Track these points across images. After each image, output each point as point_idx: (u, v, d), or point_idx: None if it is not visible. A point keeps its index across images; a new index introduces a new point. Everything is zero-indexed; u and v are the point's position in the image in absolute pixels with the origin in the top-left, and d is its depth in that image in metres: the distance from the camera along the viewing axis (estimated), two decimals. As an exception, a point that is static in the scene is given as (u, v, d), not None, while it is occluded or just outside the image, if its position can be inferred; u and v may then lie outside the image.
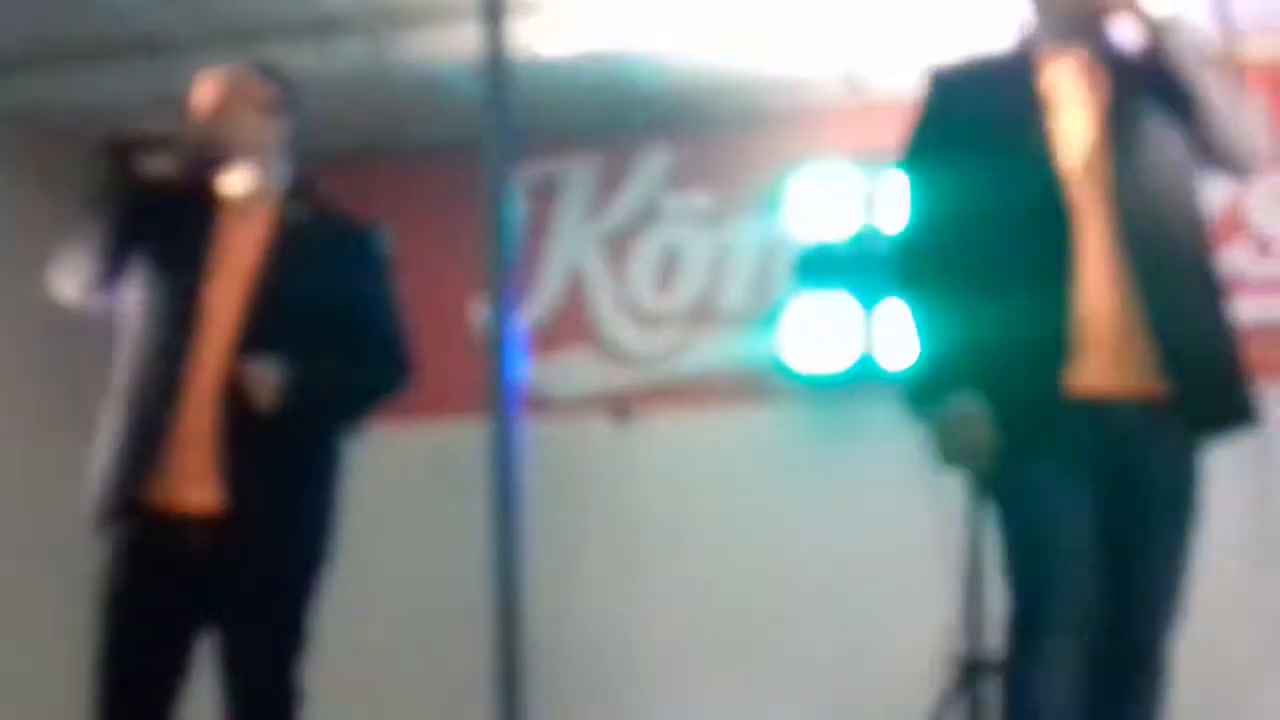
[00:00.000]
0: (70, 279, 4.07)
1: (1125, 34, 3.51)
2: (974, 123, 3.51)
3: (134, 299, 4.05)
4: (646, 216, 6.88)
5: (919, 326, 3.53)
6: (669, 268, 6.84)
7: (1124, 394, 3.37)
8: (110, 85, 6.16)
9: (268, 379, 3.88)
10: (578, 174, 6.93)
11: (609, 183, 6.92)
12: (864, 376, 6.24)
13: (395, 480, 6.55)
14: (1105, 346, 3.35)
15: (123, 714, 3.96)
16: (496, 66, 3.38)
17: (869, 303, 6.20)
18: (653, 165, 6.87)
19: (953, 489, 6.11)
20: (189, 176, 4.05)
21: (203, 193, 4.08)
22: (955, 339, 3.42)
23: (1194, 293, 3.45)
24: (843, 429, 6.38)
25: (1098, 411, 3.36)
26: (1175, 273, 3.41)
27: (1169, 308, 3.37)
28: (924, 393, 3.47)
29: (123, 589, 3.96)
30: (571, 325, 6.87)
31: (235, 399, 3.90)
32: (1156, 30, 3.41)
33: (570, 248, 6.94)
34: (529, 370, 6.12)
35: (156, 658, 3.97)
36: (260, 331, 3.95)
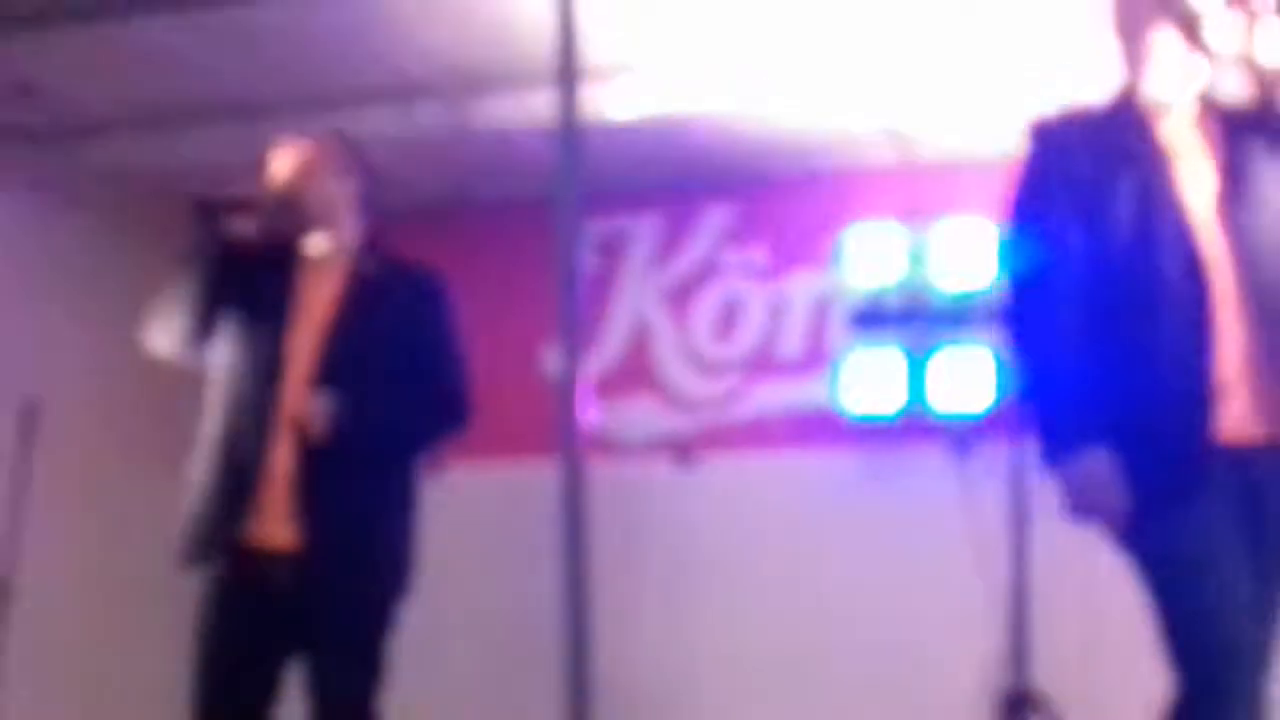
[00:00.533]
0: (164, 334, 4.11)
1: (1232, 84, 3.35)
2: (1088, 172, 3.35)
3: (222, 352, 4.08)
4: (707, 270, 6.90)
5: (1042, 374, 3.34)
6: (728, 318, 6.84)
7: (1265, 441, 3.20)
8: (201, 148, 6.17)
9: (319, 408, 3.91)
10: (642, 230, 6.95)
11: (671, 238, 6.94)
12: (913, 420, 6.17)
13: (470, 517, 6.53)
14: (1244, 394, 3.19)
15: None
16: (569, 129, 3.37)
17: (917, 351, 6.14)
18: (712, 222, 6.89)
19: (997, 526, 6.06)
20: (271, 237, 4.08)
21: (284, 251, 4.12)
22: (1088, 388, 3.24)
23: None
24: (892, 470, 6.34)
25: (1240, 460, 3.18)
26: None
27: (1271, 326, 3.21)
28: (1056, 444, 3.26)
29: (216, 622, 3.97)
30: (636, 372, 6.86)
31: (305, 434, 3.94)
32: (1267, 81, 3.26)
33: (635, 299, 6.94)
34: (596, 414, 6.09)
35: (246, 685, 3.98)
36: (332, 375, 3.98)
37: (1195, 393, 3.16)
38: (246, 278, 4.04)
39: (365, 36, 5.64)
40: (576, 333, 3.37)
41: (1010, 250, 3.45)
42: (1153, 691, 5.92)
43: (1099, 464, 3.17)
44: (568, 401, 3.29)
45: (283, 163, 4.16)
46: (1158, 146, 3.32)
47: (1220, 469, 3.15)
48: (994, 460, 6.05)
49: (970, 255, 6.19)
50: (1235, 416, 3.17)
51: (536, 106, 5.26)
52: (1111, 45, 3.44)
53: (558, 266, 3.37)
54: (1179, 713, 3.16)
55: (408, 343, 4.14)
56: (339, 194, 4.16)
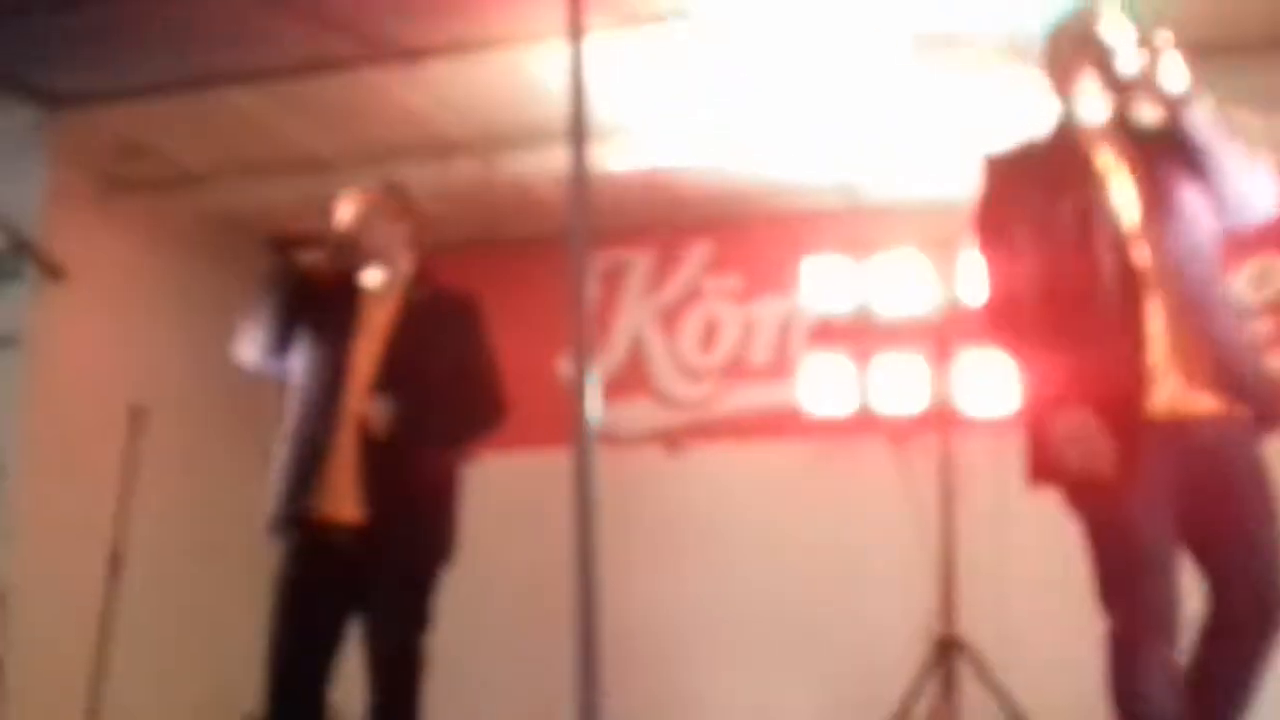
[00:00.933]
0: (249, 347, 4.16)
1: (1147, 110, 3.29)
2: (1035, 195, 3.28)
3: (297, 363, 4.13)
4: (691, 294, 6.88)
5: (1023, 362, 3.31)
6: (708, 333, 6.83)
7: (1196, 413, 3.13)
8: (275, 194, 6.21)
9: (380, 411, 3.95)
10: (639, 262, 6.94)
11: (662, 269, 6.93)
12: (860, 417, 6.19)
13: (500, 496, 6.54)
14: (1174, 377, 3.13)
15: (291, 672, 4.00)
16: (579, 179, 3.38)
17: (863, 361, 6.16)
18: (696, 255, 6.88)
19: (929, 503, 6.09)
20: (337, 270, 4.12)
21: (348, 282, 4.16)
22: (1049, 381, 3.19)
23: (1227, 322, 3.24)
24: (843, 458, 6.35)
25: (1175, 431, 3.13)
26: (1212, 309, 3.20)
27: (1214, 338, 3.16)
28: (1043, 409, 3.21)
29: (293, 580, 4.02)
30: (634, 378, 6.86)
31: (366, 429, 3.97)
32: (1174, 105, 3.17)
33: (633, 318, 6.94)
34: (601, 412, 6.11)
35: (315, 633, 4.02)
36: (390, 382, 4.02)
37: (1130, 378, 3.12)
38: (317, 303, 4.09)
39: (411, 103, 5.68)
40: (586, 345, 3.40)
41: (978, 268, 3.40)
42: (1051, 635, 6.01)
43: (1085, 415, 3.12)
44: (579, 401, 3.32)
45: (347, 209, 4.20)
46: (1091, 169, 3.26)
47: (1157, 441, 3.10)
48: (927, 450, 6.10)
49: (904, 282, 6.21)
50: (1168, 396, 3.12)
51: (552, 160, 5.28)
52: (1043, 85, 3.40)
53: (570, 291, 3.39)
54: (1112, 649, 3.11)
55: (451, 355, 4.17)
56: (393, 235, 4.19)
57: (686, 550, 6.51)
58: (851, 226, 6.43)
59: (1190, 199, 3.21)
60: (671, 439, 6.74)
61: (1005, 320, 3.32)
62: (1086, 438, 3.10)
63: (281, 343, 4.11)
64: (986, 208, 3.40)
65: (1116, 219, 3.20)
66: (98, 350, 6.22)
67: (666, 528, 6.46)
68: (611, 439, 6.34)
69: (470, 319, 4.29)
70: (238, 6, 4.88)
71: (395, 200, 4.29)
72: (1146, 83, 3.17)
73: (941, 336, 6.04)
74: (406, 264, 4.24)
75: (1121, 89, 3.25)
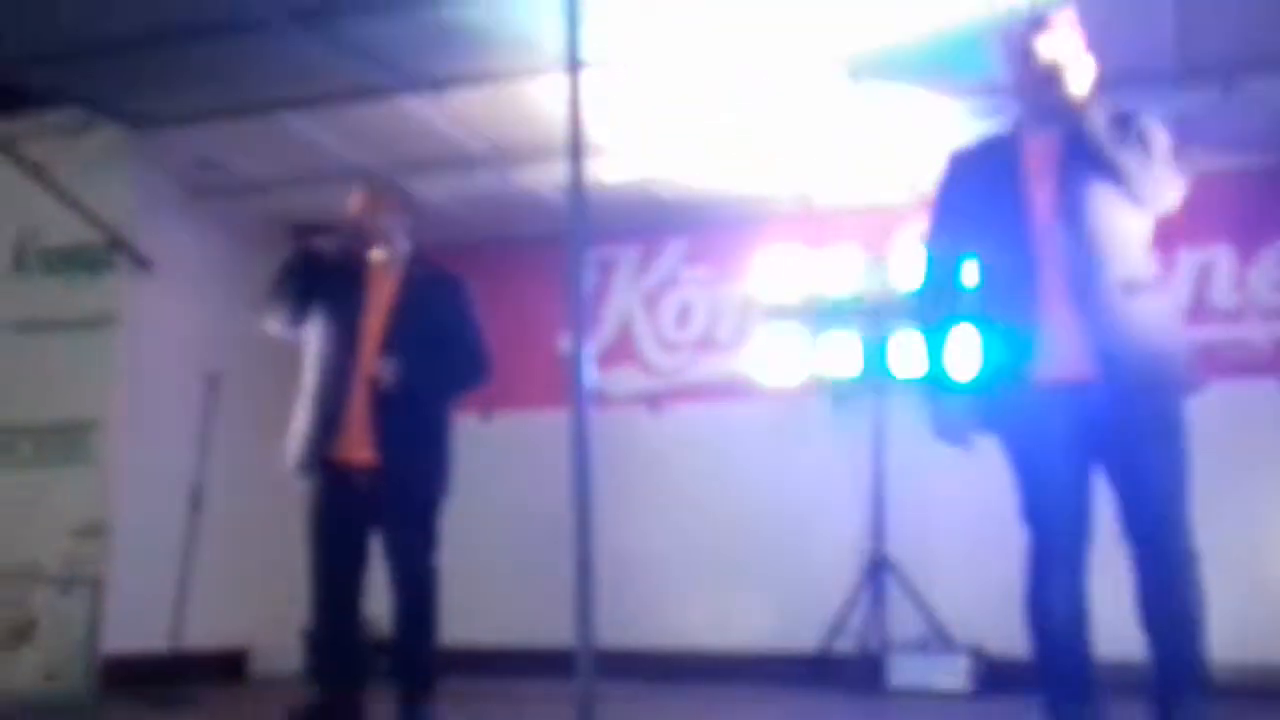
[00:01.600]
0: (272, 320, 4.16)
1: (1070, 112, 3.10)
2: (978, 189, 3.17)
3: (313, 330, 4.11)
4: (669, 283, 6.88)
5: (932, 345, 3.22)
6: (683, 314, 6.83)
7: (1088, 378, 3.01)
8: (327, 201, 6.20)
9: (388, 369, 3.95)
10: (626, 256, 6.93)
11: (645, 261, 6.92)
12: (808, 383, 6.22)
13: (512, 448, 6.59)
14: (1067, 347, 3.03)
15: (331, 586, 4.02)
16: (577, 188, 3.38)
17: (811, 337, 6.18)
18: (673, 251, 6.87)
19: (864, 451, 6.13)
20: (349, 251, 4.09)
21: (358, 261, 4.13)
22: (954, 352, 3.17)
23: (1116, 304, 3.01)
24: (795, 416, 6.38)
25: (1073, 391, 3.03)
26: (1107, 288, 3.01)
27: (1102, 314, 3.01)
28: (929, 391, 3.20)
29: (320, 511, 4.03)
30: (622, 350, 6.86)
31: (376, 386, 3.97)
32: (1076, 114, 3.04)
33: (621, 302, 6.93)
34: (596, 379, 6.15)
35: (348, 552, 4.03)
36: (395, 343, 4.01)
37: (1030, 345, 3.05)
38: (330, 279, 4.07)
39: (437, 125, 5.66)
40: (582, 324, 3.41)
41: (925, 252, 3.29)
42: (965, 555, 6.08)
43: (956, 404, 3.15)
44: (577, 370, 3.33)
45: (358, 200, 4.18)
46: (1022, 166, 3.12)
47: (1058, 397, 3.04)
48: (862, 409, 6.14)
49: (845, 272, 6.24)
50: (1063, 362, 3.03)
51: (555, 173, 5.28)
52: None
53: (570, 280, 3.41)
54: (1029, 556, 3.10)
55: (443, 322, 4.13)
56: (394, 222, 4.16)
57: (665, 491, 6.51)
58: (802, 228, 6.46)
59: (1100, 193, 3.03)
60: (653, 400, 6.77)
61: (933, 297, 3.25)
62: (953, 422, 3.15)
63: (298, 314, 4.09)
64: (941, 196, 3.28)
65: (1034, 211, 3.07)
66: (179, 327, 6.17)
67: (649, 472, 6.45)
68: (604, 400, 6.41)
69: (460, 293, 4.24)
70: (295, 44, 4.87)
71: (397, 194, 4.26)
72: (1056, 89, 3.05)
73: (876, 318, 6.09)
74: (405, 247, 4.19)
75: (1036, 93, 3.11)
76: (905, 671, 5.60)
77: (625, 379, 6.80)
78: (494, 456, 6.40)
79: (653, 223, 6.72)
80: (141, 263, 5.96)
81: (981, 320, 3.16)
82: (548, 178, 5.85)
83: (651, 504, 6.45)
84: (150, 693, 5.27)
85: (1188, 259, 5.87)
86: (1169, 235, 3.67)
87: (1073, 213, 3.05)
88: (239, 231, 6.54)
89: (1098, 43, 3.16)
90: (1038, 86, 3.10)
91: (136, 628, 5.54)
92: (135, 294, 5.95)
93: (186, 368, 5.89)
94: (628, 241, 6.86)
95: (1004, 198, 3.12)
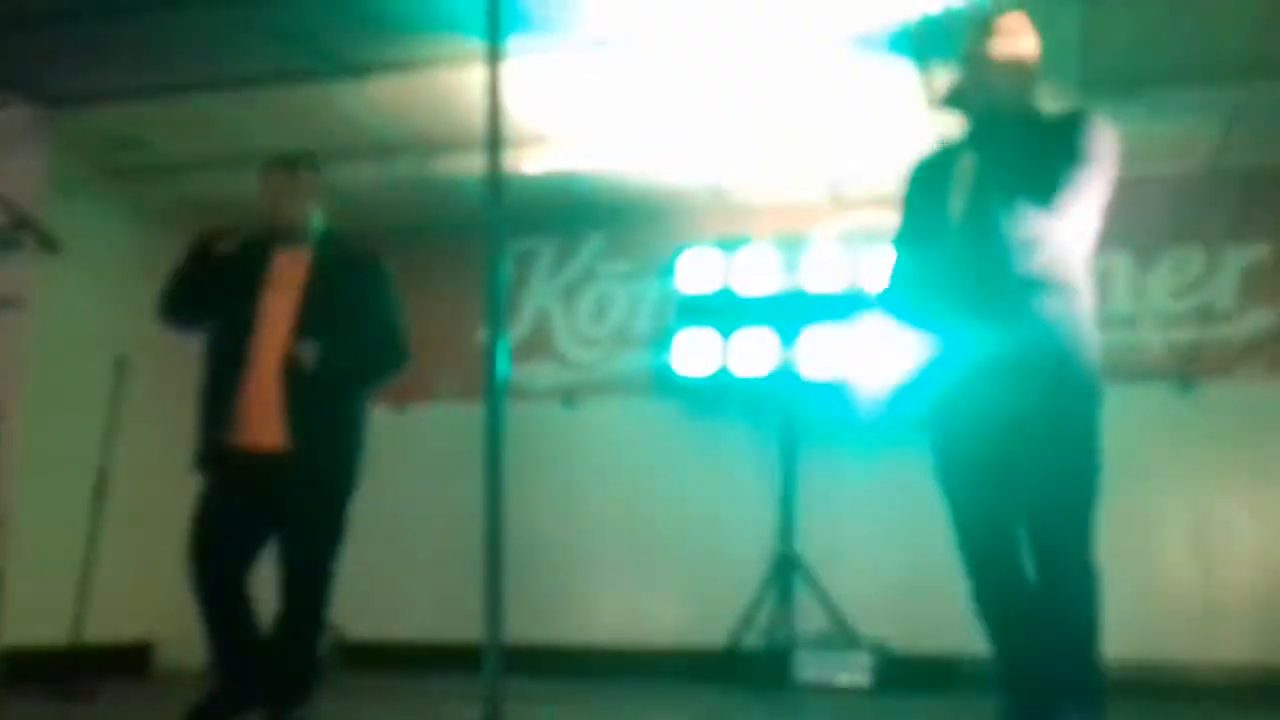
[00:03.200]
0: (169, 322, 3.97)
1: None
2: (923, 197, 3.20)
3: (210, 322, 3.92)
4: (587, 277, 6.88)
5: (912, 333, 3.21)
6: (600, 309, 6.84)
7: (990, 375, 3.01)
8: (243, 184, 6.12)
9: (305, 354, 3.74)
10: (544, 249, 6.92)
11: (564, 255, 6.92)
12: (720, 379, 6.22)
13: (426, 438, 6.55)
14: (971, 343, 3.05)
15: (210, 586, 3.79)
16: (495, 179, 3.35)
17: (725, 334, 6.21)
18: (591, 245, 6.88)
19: (772, 448, 6.16)
20: (253, 238, 3.88)
21: (269, 239, 3.92)
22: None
23: (1019, 289, 2.98)
24: (706, 411, 6.41)
25: (978, 387, 3.02)
26: (1002, 277, 2.98)
27: (994, 301, 3.00)
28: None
29: (211, 506, 3.81)
30: (539, 344, 6.85)
31: (290, 370, 3.76)
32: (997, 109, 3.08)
33: (539, 295, 6.92)
34: (511, 372, 6.12)
35: (230, 552, 3.80)
36: (306, 326, 3.80)
37: (953, 344, 3.07)
38: (226, 269, 3.83)
39: (358, 113, 5.62)
40: (499, 316, 3.38)
41: (891, 252, 3.29)
42: (869, 552, 6.13)
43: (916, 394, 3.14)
44: (492, 362, 3.30)
45: (270, 179, 3.95)
46: (953, 175, 3.14)
47: (971, 390, 3.03)
48: (772, 407, 6.19)
49: (761, 269, 6.27)
50: (973, 359, 3.03)
51: (474, 163, 5.25)
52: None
53: (488, 272, 3.38)
54: (962, 558, 3.12)
55: (358, 303, 3.90)
56: (308, 203, 3.95)
57: (578, 484, 6.52)
58: (717, 223, 6.49)
59: (1010, 197, 3.01)
60: (569, 394, 6.76)
61: (897, 295, 3.24)
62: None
63: (190, 304, 3.90)
64: (902, 203, 3.29)
65: (958, 214, 3.09)
66: (87, 310, 6.06)
67: (563, 466, 6.47)
68: (520, 393, 6.39)
69: (376, 273, 4.01)
70: (213, 25, 4.79)
71: (310, 175, 4.01)
72: (1006, 90, 3.08)
73: (788, 313, 6.13)
74: (316, 226, 3.98)
75: (987, 94, 3.12)
76: (810, 667, 5.66)
77: (542, 372, 6.79)
78: (407, 449, 6.34)
79: (571, 216, 6.71)
80: (49, 244, 5.81)
81: (916, 318, 3.18)
82: (467, 168, 5.75)
83: (564, 499, 6.45)
84: (50, 687, 5.13)
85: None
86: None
87: (977, 213, 3.05)
88: (154, 214, 6.43)
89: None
90: (991, 88, 3.10)
91: (37, 620, 5.39)
92: (42, 276, 5.81)
93: (94, 352, 5.74)
94: (546, 234, 6.84)
95: (937, 203, 3.15)
